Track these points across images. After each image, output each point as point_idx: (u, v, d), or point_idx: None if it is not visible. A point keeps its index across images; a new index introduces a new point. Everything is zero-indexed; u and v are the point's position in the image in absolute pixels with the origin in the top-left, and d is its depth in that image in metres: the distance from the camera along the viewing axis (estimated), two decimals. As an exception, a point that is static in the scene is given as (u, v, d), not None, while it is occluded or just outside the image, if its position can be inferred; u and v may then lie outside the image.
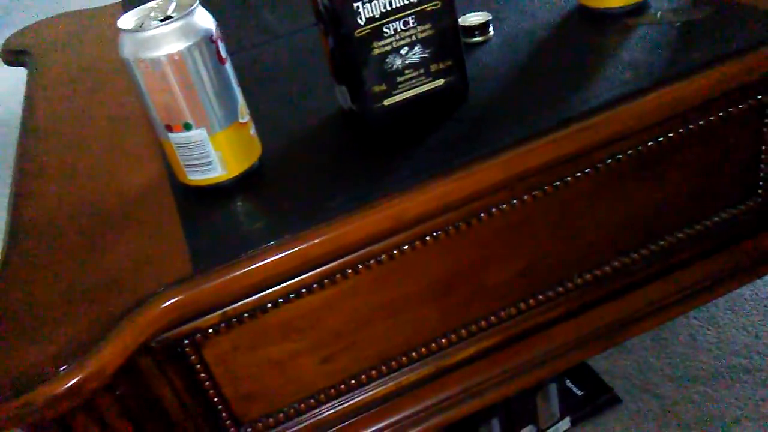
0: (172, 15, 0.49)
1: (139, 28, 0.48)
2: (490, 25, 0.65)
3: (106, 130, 0.67)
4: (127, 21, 0.49)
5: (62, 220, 0.56)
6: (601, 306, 0.63)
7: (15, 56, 0.92)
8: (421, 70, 0.54)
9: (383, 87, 0.54)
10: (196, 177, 0.53)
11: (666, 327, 1.00)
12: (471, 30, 0.64)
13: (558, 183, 0.54)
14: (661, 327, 0.99)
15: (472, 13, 0.66)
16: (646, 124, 0.54)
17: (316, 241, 0.48)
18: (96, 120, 0.69)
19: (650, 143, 0.56)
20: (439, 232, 0.53)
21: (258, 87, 0.65)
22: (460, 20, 0.64)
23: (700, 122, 0.56)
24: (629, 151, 0.55)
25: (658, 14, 0.61)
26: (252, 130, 0.54)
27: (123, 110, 0.69)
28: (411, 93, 0.55)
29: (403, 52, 0.53)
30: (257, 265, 0.47)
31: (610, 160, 0.55)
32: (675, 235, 0.63)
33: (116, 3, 0.99)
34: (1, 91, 2.16)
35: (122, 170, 0.60)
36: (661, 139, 0.56)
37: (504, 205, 0.54)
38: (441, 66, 0.54)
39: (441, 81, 0.55)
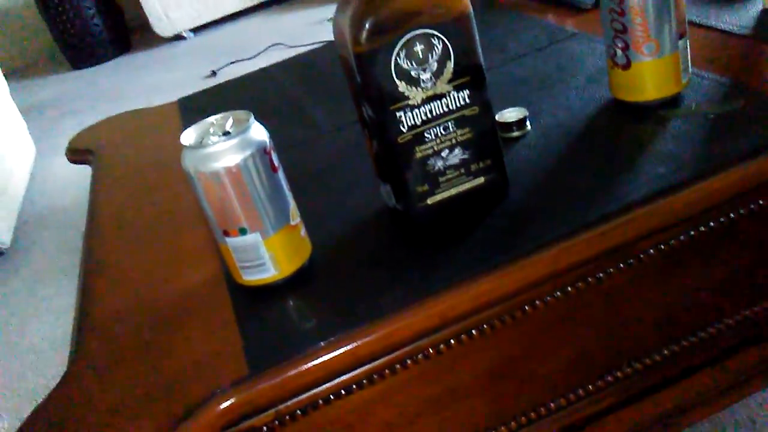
0: (230, 130, 0.53)
1: (200, 143, 0.52)
2: (527, 120, 0.68)
3: (165, 229, 0.71)
4: (188, 136, 0.54)
5: (124, 320, 0.59)
6: (653, 395, 0.63)
7: (80, 155, 0.99)
8: (462, 170, 0.57)
9: (426, 187, 0.56)
10: (251, 277, 0.56)
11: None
12: (509, 126, 0.67)
13: (601, 274, 0.55)
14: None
15: (509, 109, 0.69)
16: (685, 216, 0.55)
17: (366, 340, 0.50)
18: (156, 218, 0.74)
19: (691, 233, 0.57)
20: (485, 326, 0.54)
21: (306, 183, 0.69)
22: (497, 116, 0.67)
23: (741, 211, 0.57)
24: (671, 241, 0.56)
25: (693, 106, 0.63)
26: (302, 231, 0.57)
27: (181, 209, 0.73)
28: (453, 191, 0.57)
29: (444, 154, 0.56)
30: (310, 364, 0.49)
31: (651, 251, 0.56)
32: (723, 322, 0.62)
33: (172, 102, 1.06)
34: (67, 185, 2.27)
35: (182, 269, 0.63)
36: (701, 228, 0.57)
37: (548, 298, 0.55)
38: (481, 165, 0.57)
39: (481, 179, 0.57)
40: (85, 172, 1.02)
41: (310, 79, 1.01)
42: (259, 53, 2.86)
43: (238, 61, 2.86)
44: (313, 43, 2.76)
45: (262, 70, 1.11)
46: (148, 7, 3.32)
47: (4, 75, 2.44)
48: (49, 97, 3.28)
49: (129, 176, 0.85)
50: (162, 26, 3.38)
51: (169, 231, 0.70)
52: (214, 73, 2.82)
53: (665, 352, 0.62)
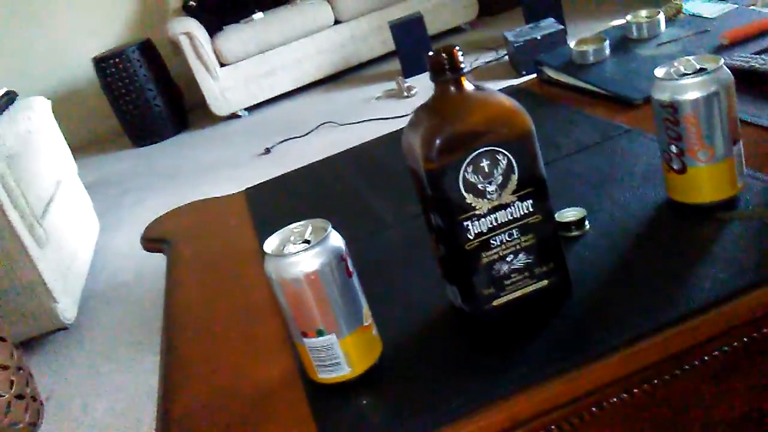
0: (309, 238, 0.57)
1: (282, 251, 0.57)
2: (586, 220, 0.70)
3: (240, 321, 0.75)
4: (271, 243, 0.58)
5: (206, 414, 0.62)
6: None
7: (154, 244, 1.05)
8: (526, 274, 0.59)
9: (491, 290, 0.59)
10: (326, 375, 0.59)
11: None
12: (568, 225, 0.70)
13: (666, 377, 0.57)
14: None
15: (568, 209, 0.72)
16: (746, 321, 0.56)
17: (437, 441, 0.52)
18: (230, 310, 0.78)
19: (755, 335, 0.58)
20: (554, 427, 0.55)
21: (372, 278, 0.72)
22: (556, 215, 0.70)
23: (803, 313, 0.58)
24: (735, 344, 0.58)
25: (750, 209, 0.65)
26: (374, 331, 0.61)
27: (253, 300, 0.77)
28: (518, 293, 0.60)
29: (508, 259, 0.59)
30: (384, 464, 0.51)
31: (715, 353, 0.57)
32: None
33: (239, 192, 1.12)
34: (128, 260, 2.36)
35: (258, 364, 0.67)
36: (764, 330, 0.58)
37: (614, 399, 0.56)
38: (544, 268, 0.60)
39: (545, 282, 0.60)
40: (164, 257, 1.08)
41: (371, 169, 1.06)
42: (310, 131, 2.97)
43: (290, 138, 2.97)
44: (361, 121, 2.86)
45: (324, 160, 1.17)
46: (206, 88, 3.50)
47: (72, 154, 2.58)
48: (110, 174, 3.44)
49: (203, 268, 0.90)
50: (218, 105, 3.55)
51: (244, 325, 0.74)
52: (267, 151, 2.93)
53: (732, 452, 0.62)
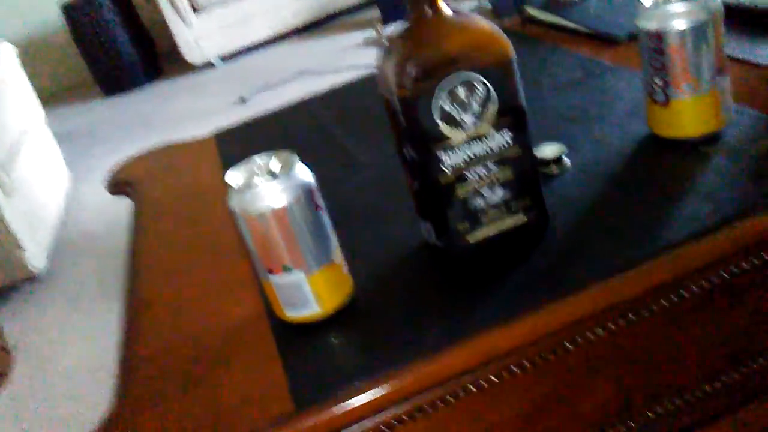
0: (275, 171, 0.54)
1: (246, 184, 0.54)
2: (565, 156, 0.68)
3: (207, 263, 0.73)
4: (234, 177, 0.55)
5: (168, 358, 0.60)
6: (698, 429, 0.62)
7: (119, 188, 1.01)
8: (503, 209, 0.57)
9: (466, 225, 0.57)
10: (294, 314, 0.57)
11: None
12: (547, 161, 0.68)
13: (643, 312, 0.55)
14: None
15: (546, 144, 0.69)
16: (728, 254, 0.54)
17: (409, 377, 0.50)
18: (197, 252, 0.75)
19: (734, 270, 0.56)
20: (527, 363, 0.54)
21: (346, 218, 0.70)
22: (535, 151, 0.68)
23: (785, 249, 0.57)
24: (714, 279, 0.56)
25: (733, 144, 0.63)
26: (345, 269, 0.58)
27: (221, 244, 0.74)
28: (494, 229, 0.58)
29: (485, 193, 0.56)
30: (354, 401, 0.50)
31: (695, 288, 0.56)
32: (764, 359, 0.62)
33: (209, 137, 1.08)
34: (100, 211, 2.31)
35: (224, 304, 0.64)
36: (744, 265, 0.56)
37: (590, 335, 0.55)
38: (521, 203, 0.57)
39: (522, 217, 0.58)
40: (118, 199, 1.04)
41: (346, 111, 1.03)
42: (288, 80, 2.91)
43: (267, 88, 2.91)
44: (340, 70, 2.80)
45: (298, 103, 1.13)
46: (179, 35, 3.40)
47: (41, 103, 2.50)
48: (82, 124, 3.36)
49: (169, 211, 0.87)
50: (192, 54, 3.45)
51: (210, 266, 0.72)
52: (243, 100, 2.87)
53: (706, 388, 0.61)
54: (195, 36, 3.41)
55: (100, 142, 2.99)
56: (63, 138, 2.95)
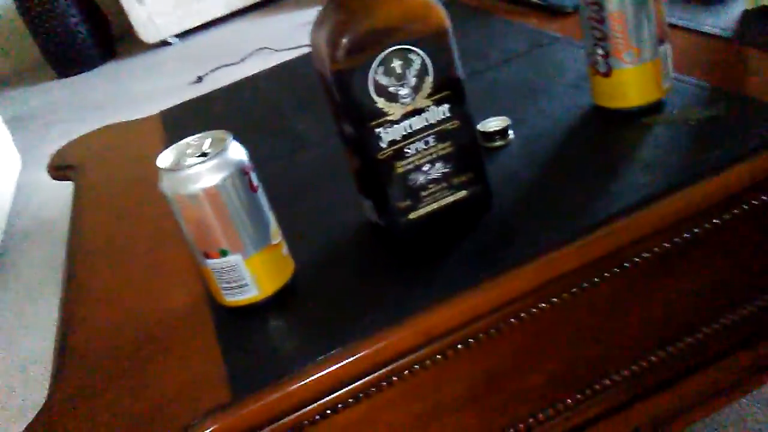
0: (208, 151, 0.52)
1: (177, 165, 0.52)
2: (510, 129, 0.67)
3: (147, 249, 0.70)
4: (165, 158, 0.53)
5: (105, 345, 0.58)
6: (643, 401, 0.63)
7: (62, 171, 0.98)
8: (444, 184, 0.56)
9: (408, 202, 0.56)
10: (233, 298, 0.55)
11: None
12: (490, 135, 0.67)
13: (586, 284, 0.55)
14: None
15: (491, 118, 0.68)
16: (668, 224, 0.54)
17: (351, 360, 0.49)
18: (138, 238, 0.73)
19: (676, 240, 0.56)
20: (471, 340, 0.53)
21: (287, 198, 0.68)
22: (479, 126, 0.67)
23: (725, 217, 0.57)
24: (655, 249, 0.56)
25: (675, 113, 0.63)
26: (284, 250, 0.57)
27: (163, 228, 0.72)
28: (435, 206, 0.56)
29: (425, 169, 0.55)
30: (294, 387, 0.48)
31: (636, 259, 0.56)
32: (711, 327, 0.62)
33: (155, 115, 1.05)
34: (54, 197, 2.25)
35: (164, 291, 0.62)
36: (686, 235, 0.56)
37: (533, 309, 0.54)
38: (463, 178, 0.56)
39: (464, 192, 0.57)
40: (69, 183, 1.01)
41: (296, 88, 1.01)
42: (245, 58, 2.85)
43: (224, 66, 2.85)
44: (299, 47, 2.75)
45: (247, 79, 1.10)
46: (132, 13, 3.30)
47: (-12, 86, 2.42)
48: (34, 107, 3.26)
49: (110, 194, 0.84)
50: (147, 33, 3.36)
51: (150, 251, 0.69)
52: (200, 79, 2.80)
53: (652, 358, 0.61)
54: (149, 13, 3.31)
55: (54, 126, 2.90)
56: (16, 122, 2.86)
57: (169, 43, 3.48)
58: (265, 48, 2.87)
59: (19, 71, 3.88)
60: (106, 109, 2.91)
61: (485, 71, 0.83)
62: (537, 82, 0.76)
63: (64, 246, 1.79)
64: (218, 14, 3.47)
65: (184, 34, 3.50)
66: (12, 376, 1.45)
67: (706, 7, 0.81)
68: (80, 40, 3.44)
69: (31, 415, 0.52)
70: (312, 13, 3.11)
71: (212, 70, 2.84)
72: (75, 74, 3.52)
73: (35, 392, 1.37)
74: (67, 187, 1.04)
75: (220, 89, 1.09)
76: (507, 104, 0.74)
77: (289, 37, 2.94)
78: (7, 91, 3.54)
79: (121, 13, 3.36)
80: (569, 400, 0.60)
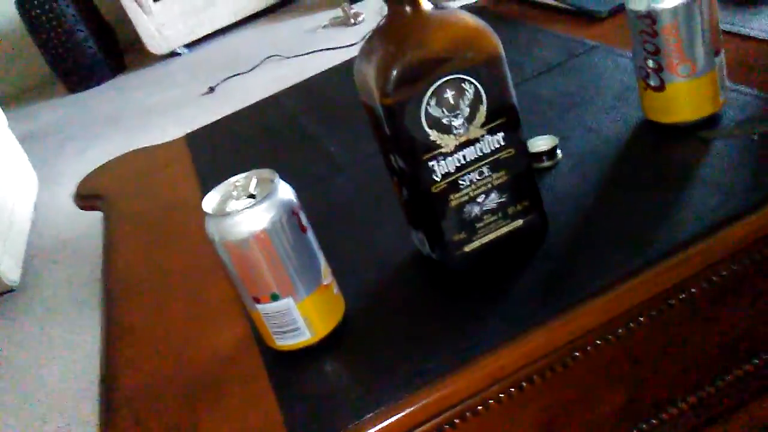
0: (254, 192, 0.50)
1: (223, 209, 0.50)
2: (558, 148, 0.65)
3: (187, 284, 0.68)
4: (210, 201, 0.51)
5: (153, 394, 0.56)
6: (710, 428, 0.60)
7: (89, 201, 0.96)
8: (499, 214, 0.54)
9: (462, 235, 0.53)
10: (285, 342, 0.53)
11: None
12: (539, 156, 0.64)
13: (653, 313, 0.53)
14: None
15: (537, 138, 0.66)
16: (740, 249, 0.52)
17: (414, 408, 0.47)
18: (175, 272, 0.71)
19: (745, 262, 0.54)
20: (536, 377, 0.51)
21: (329, 226, 0.66)
22: (526, 146, 0.64)
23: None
24: (723, 273, 0.53)
25: (733, 126, 0.60)
26: (335, 289, 0.54)
27: (200, 260, 0.70)
28: (491, 237, 0.54)
29: (479, 200, 0.53)
30: (358, 438, 0.46)
31: (704, 285, 0.53)
32: (779, 349, 0.60)
33: (179, 139, 1.03)
34: (72, 214, 2.24)
35: (209, 332, 0.60)
36: (756, 257, 0.54)
37: (600, 342, 0.52)
38: (518, 207, 0.54)
39: (519, 221, 0.54)
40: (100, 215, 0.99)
41: (321, 106, 0.98)
42: (255, 66, 2.83)
43: (235, 75, 2.83)
44: (308, 53, 2.73)
45: (270, 98, 1.08)
46: (140, 25, 3.29)
47: (1, 104, 2.41)
48: (47, 124, 3.26)
49: (143, 226, 0.82)
50: (155, 44, 3.35)
51: (190, 287, 0.67)
52: (212, 90, 2.79)
53: (719, 383, 0.59)
54: (156, 24, 3.30)
55: (68, 142, 2.90)
56: (29, 140, 2.86)
57: (178, 54, 3.47)
58: (275, 55, 2.85)
59: (30, 88, 3.89)
60: (118, 123, 2.90)
61: (521, 84, 0.80)
62: (579, 94, 0.74)
63: (87, 264, 1.77)
64: (225, 23, 3.45)
65: (192, 44, 3.49)
66: (41, 402, 1.44)
67: (747, 9, 0.78)
68: (89, 54, 3.43)
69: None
70: (319, 18, 3.08)
71: (223, 80, 2.82)
72: (85, 89, 3.52)
73: (66, 418, 1.36)
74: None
75: (243, 109, 1.07)
76: (549, 120, 0.71)
77: (297, 43, 2.92)
78: (19, 108, 3.54)
79: (128, 25, 3.35)
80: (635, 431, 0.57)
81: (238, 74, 2.83)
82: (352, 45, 2.61)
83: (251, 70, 2.82)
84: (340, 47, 2.65)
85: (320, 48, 2.72)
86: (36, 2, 3.29)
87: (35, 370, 1.55)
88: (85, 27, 3.40)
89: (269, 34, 3.26)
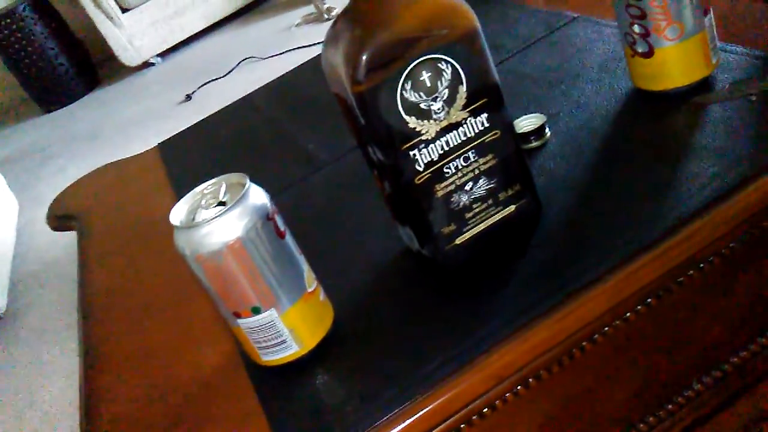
0: (224, 199, 0.47)
1: (192, 220, 0.46)
2: (546, 126, 0.61)
3: (166, 301, 0.65)
4: (178, 213, 0.47)
5: (139, 418, 0.52)
6: (729, 407, 0.57)
7: (63, 222, 0.92)
8: (490, 201, 0.50)
9: (452, 226, 0.50)
10: (271, 357, 0.49)
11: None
12: (526, 136, 0.61)
13: (661, 293, 0.49)
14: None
15: (523, 117, 0.62)
16: (748, 217, 0.48)
17: (416, 417, 0.44)
18: (154, 292, 0.67)
19: (754, 231, 0.50)
20: (542, 372, 0.48)
21: (311, 229, 0.62)
22: (512, 126, 0.61)
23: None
24: (732, 244, 0.50)
25: (727, 88, 0.57)
26: (322, 296, 0.51)
27: (178, 275, 0.66)
28: (482, 226, 0.51)
29: (467, 187, 0.49)
30: (357, 455, 0.43)
31: (712, 258, 0.50)
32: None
33: (152, 149, 0.99)
34: (56, 236, 2.20)
35: (191, 352, 0.57)
36: (765, 224, 0.50)
37: (607, 329, 0.49)
38: (509, 192, 0.50)
39: (512, 207, 0.51)
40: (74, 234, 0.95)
41: (296, 104, 0.94)
42: (231, 69, 2.78)
43: (211, 80, 2.78)
44: (284, 52, 2.68)
45: (243, 99, 1.04)
46: (111, 38, 3.23)
47: (-26, 132, 2.36)
48: (24, 145, 3.20)
49: (117, 245, 0.78)
50: (128, 56, 3.30)
51: (169, 307, 0.64)
52: (189, 97, 2.74)
53: (735, 360, 0.56)
54: (128, 36, 3.24)
55: (48, 162, 2.84)
56: (7, 163, 2.80)
57: (152, 64, 3.42)
58: (251, 57, 2.81)
59: (4, 110, 3.82)
60: (97, 138, 2.85)
61: (503, 62, 0.77)
62: (563, 69, 0.70)
63: (71, 287, 1.72)
64: (197, 29, 3.40)
65: (165, 53, 3.44)
66: (38, 429, 1.40)
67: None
68: (61, 71, 3.37)
69: None
70: (292, 17, 3.02)
71: (200, 87, 2.77)
72: (61, 107, 3.46)
73: (63, 447, 1.32)
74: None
75: (216, 113, 1.03)
76: (535, 98, 0.68)
77: (272, 43, 2.88)
78: (-6, 133, 3.48)
79: (99, 38, 3.29)
80: (652, 419, 0.54)
81: (215, 79, 2.78)
82: (328, 40, 2.57)
83: (227, 74, 2.77)
84: (316, 43, 2.60)
85: (296, 46, 2.67)
86: (3, 23, 3.22)
87: (28, 399, 1.51)
88: (56, 44, 3.34)
89: (243, 37, 3.21)
